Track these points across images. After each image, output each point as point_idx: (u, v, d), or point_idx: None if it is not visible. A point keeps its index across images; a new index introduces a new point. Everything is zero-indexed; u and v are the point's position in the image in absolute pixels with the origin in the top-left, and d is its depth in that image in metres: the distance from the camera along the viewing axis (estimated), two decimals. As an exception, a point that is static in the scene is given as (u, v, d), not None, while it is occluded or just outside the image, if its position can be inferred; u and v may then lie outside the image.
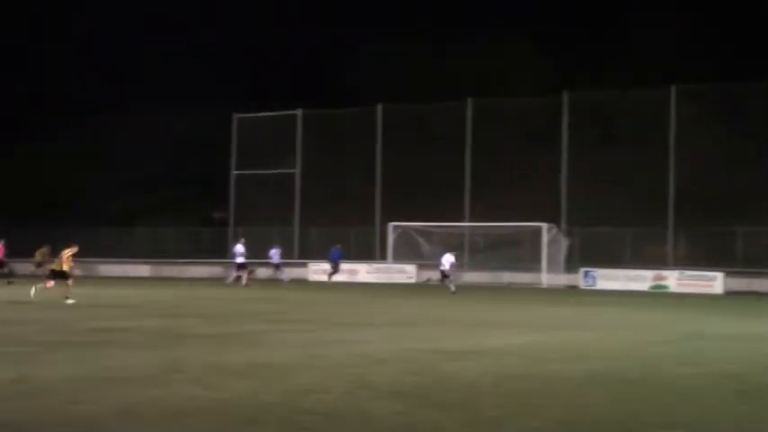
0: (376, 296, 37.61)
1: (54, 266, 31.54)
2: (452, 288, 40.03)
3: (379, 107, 58.53)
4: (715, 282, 45.76)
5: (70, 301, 28.63)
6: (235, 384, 12.28)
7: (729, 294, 44.18)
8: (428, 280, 41.14)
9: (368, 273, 52.40)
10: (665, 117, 51.36)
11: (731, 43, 61.76)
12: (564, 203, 52.85)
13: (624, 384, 12.81)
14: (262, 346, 17.00)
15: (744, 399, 11.81)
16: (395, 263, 53.30)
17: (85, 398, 11.04)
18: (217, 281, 51.46)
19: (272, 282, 50.59)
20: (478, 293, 41.70)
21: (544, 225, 49.97)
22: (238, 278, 47.03)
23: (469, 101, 56.01)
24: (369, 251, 53.16)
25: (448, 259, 41.32)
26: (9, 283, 43.14)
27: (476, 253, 54.40)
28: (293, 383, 12.43)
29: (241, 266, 47.73)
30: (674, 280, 46.90)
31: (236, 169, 62.19)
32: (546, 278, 49.38)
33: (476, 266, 53.07)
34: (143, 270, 58.50)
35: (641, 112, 53.38)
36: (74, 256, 31.41)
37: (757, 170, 50.19)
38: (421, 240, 52.93)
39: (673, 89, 51.07)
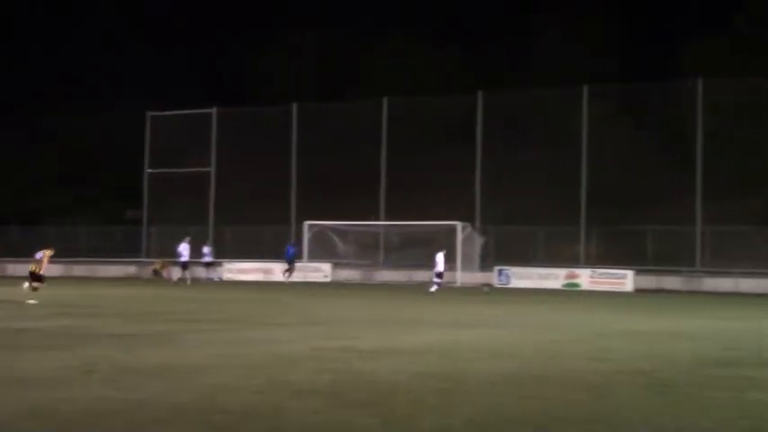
0: (291, 295, 37.50)
1: (31, 268, 31.58)
2: (433, 289, 40.28)
3: (295, 106, 58.35)
4: (625, 280, 46.46)
5: (32, 302, 28.93)
6: (148, 384, 12.17)
7: (639, 292, 44.88)
8: (484, 287, 40.57)
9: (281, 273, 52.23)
10: (577, 117, 51.96)
11: (641, 44, 62.80)
12: (478, 202, 53.21)
13: (536, 381, 12.94)
14: (176, 346, 16.87)
15: (652, 393, 12.01)
16: (310, 262, 53.20)
17: (-5, 400, 10.87)
18: (133, 280, 50.94)
19: (202, 281, 50.73)
20: (394, 292, 41.80)
21: (459, 224, 50.26)
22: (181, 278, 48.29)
23: (385, 100, 56.09)
24: (284, 250, 52.93)
25: (440, 259, 41.59)
26: None
27: (391, 252, 54.55)
28: (207, 383, 12.35)
29: (185, 265, 48.66)
30: (586, 278, 47.53)
31: (150, 168, 61.51)
32: (460, 276, 49.66)
33: (391, 265, 53.21)
34: (54, 269, 57.35)
35: (554, 111, 53.95)
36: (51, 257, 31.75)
37: (666, 170, 51.02)
38: (336, 239, 52.95)
39: (585, 89, 51.67)
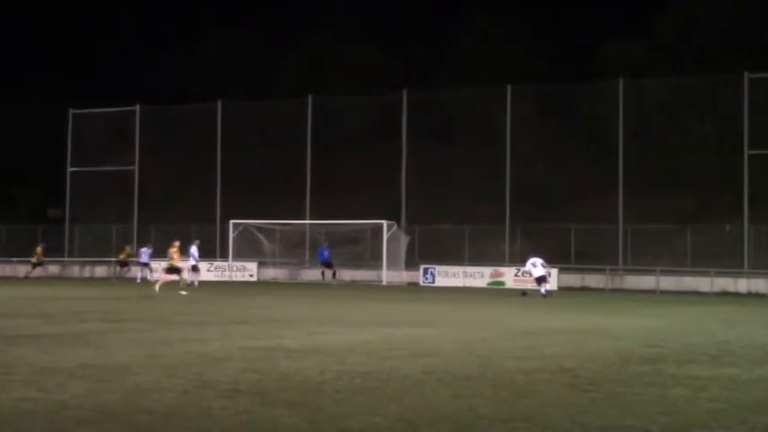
0: (215, 295, 37.26)
1: (170, 263, 36.56)
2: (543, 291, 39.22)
3: (219, 103, 58.01)
4: (550, 278, 46.78)
5: (184, 293, 33.30)
6: (70, 385, 12.00)
7: (563, 290, 45.31)
8: (524, 293, 40.07)
9: (209, 271, 51.80)
10: (502, 116, 52.32)
11: (564, 44, 63.52)
12: (404, 201, 53.36)
13: (463, 380, 12.99)
14: (99, 346, 16.65)
15: (577, 391, 12.11)
16: (236, 261, 52.90)
17: None
18: (55, 279, 50.28)
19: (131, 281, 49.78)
20: (319, 291, 41.76)
21: (384, 222, 50.33)
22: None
23: (309, 98, 55.97)
24: (210, 249, 52.59)
25: (536, 264, 39.99)
26: None
27: (317, 251, 54.50)
28: (131, 383, 12.22)
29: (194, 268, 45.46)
30: (511, 276, 47.85)
31: (72, 166, 60.72)
32: (386, 275, 49.76)
33: (317, 264, 53.17)
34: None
35: (479, 110, 54.37)
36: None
37: (590, 168, 51.65)
38: (262, 238, 52.72)
39: (508, 88, 52.04)
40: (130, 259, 53.04)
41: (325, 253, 50.54)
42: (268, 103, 57.47)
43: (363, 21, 70.48)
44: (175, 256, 36.64)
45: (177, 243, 37.44)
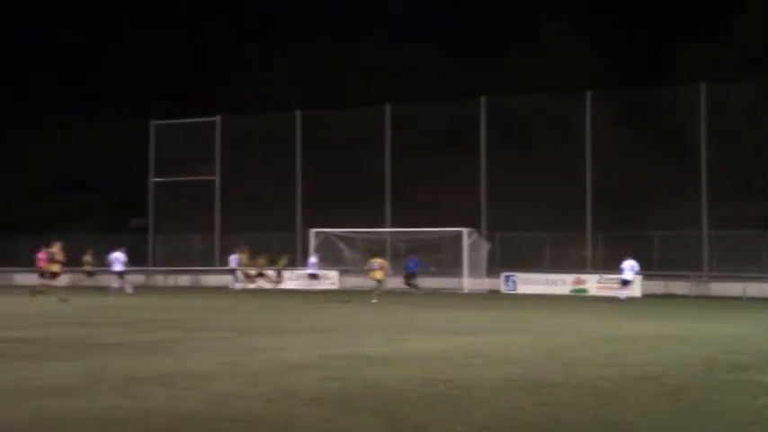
0: (298, 303, 37.46)
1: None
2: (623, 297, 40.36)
3: (298, 113, 58.29)
4: (633, 285, 46.32)
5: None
6: (155, 393, 12.14)
7: (647, 297, 44.79)
8: (622, 299, 40.61)
9: (290, 279, 52.05)
10: (581, 121, 51.89)
11: (643, 48, 62.85)
12: (483, 208, 53.11)
13: (546, 388, 12.89)
14: (182, 355, 16.82)
15: (662, 399, 11.96)
16: (317, 269, 52.86)
17: (1, 410, 10.83)
18: (139, 289, 50.90)
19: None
20: (401, 299, 41.78)
21: (464, 230, 50.15)
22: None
23: (388, 106, 55.99)
24: (291, 258, 52.86)
25: (632, 267, 41.53)
26: None
27: (397, 259, 54.43)
28: (215, 391, 12.32)
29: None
30: (594, 284, 47.42)
31: (155, 176, 61.47)
32: (467, 283, 49.60)
33: (397, 272, 53.12)
34: (61, 279, 57.38)
35: (557, 116, 53.97)
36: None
37: (672, 174, 50.97)
38: (343, 246, 52.77)
39: (588, 94, 51.59)
40: (95, 268, 52.20)
41: (412, 264, 50.30)
42: (346, 111, 57.63)
43: (440, 27, 70.44)
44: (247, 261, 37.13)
45: (245, 248, 38.00)
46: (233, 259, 52.23)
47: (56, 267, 40.50)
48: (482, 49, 66.98)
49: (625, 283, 41.62)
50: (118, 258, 48.03)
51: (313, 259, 49.67)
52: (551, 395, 12.21)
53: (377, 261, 41.23)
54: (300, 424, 10.20)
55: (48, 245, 45.10)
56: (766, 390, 12.91)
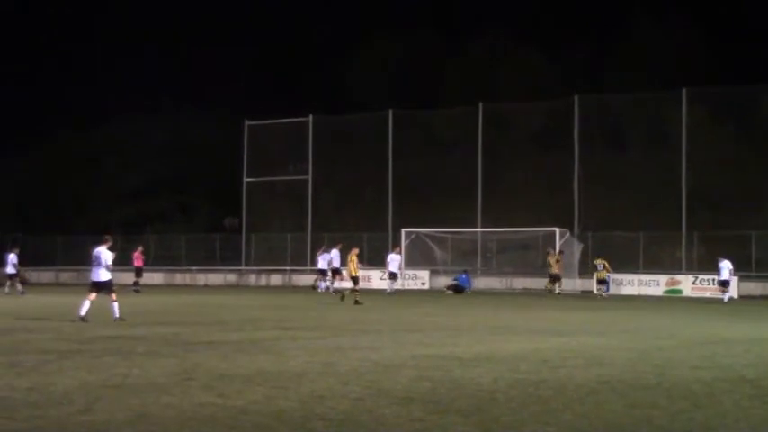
0: (389, 303, 37.51)
1: (350, 272, 36.65)
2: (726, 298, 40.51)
3: (390, 113, 58.41)
4: (729, 286, 45.58)
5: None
6: (247, 391, 12.26)
7: (743, 299, 44.03)
8: (725, 300, 40.77)
9: (381, 279, 52.16)
10: (676, 119, 51.17)
11: (740, 45, 61.71)
12: (576, 207, 52.64)
13: (639, 390, 12.75)
14: (274, 353, 16.96)
15: (759, 403, 11.75)
16: (408, 269, 52.90)
17: (99, 406, 11.04)
18: (232, 288, 51.50)
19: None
20: (491, 299, 41.63)
21: (557, 230, 49.78)
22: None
23: (480, 105, 55.81)
24: (381, 257, 53.04)
25: (726, 266, 41.51)
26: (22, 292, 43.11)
27: (489, 258, 54.30)
28: (306, 390, 12.40)
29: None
30: (689, 284, 46.76)
31: (248, 176, 62.13)
32: (559, 283, 49.20)
33: (489, 272, 52.97)
34: (156, 277, 58.56)
35: (652, 114, 53.31)
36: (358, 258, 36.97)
37: (768, 174, 50.04)
38: (434, 246, 52.78)
39: (683, 91, 50.87)
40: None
41: (465, 278, 49.60)
42: (438, 110, 57.64)
43: (532, 25, 70.05)
44: (352, 265, 36.58)
45: (356, 251, 37.50)
46: (329, 257, 49.40)
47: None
48: (576, 46, 66.41)
49: (723, 283, 40.93)
50: (12, 260, 45.41)
51: (393, 256, 48.52)
52: (644, 397, 12.07)
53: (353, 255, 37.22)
54: (390, 423, 10.21)
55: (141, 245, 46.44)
56: None
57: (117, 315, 24.59)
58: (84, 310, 24.32)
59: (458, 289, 48.44)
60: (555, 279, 46.87)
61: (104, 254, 24.99)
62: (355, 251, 37.20)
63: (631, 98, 52.60)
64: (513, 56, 68.08)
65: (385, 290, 47.29)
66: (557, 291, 46.39)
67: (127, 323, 23.88)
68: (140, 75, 76.51)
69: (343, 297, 36.37)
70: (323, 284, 49.14)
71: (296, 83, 73.58)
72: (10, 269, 44.85)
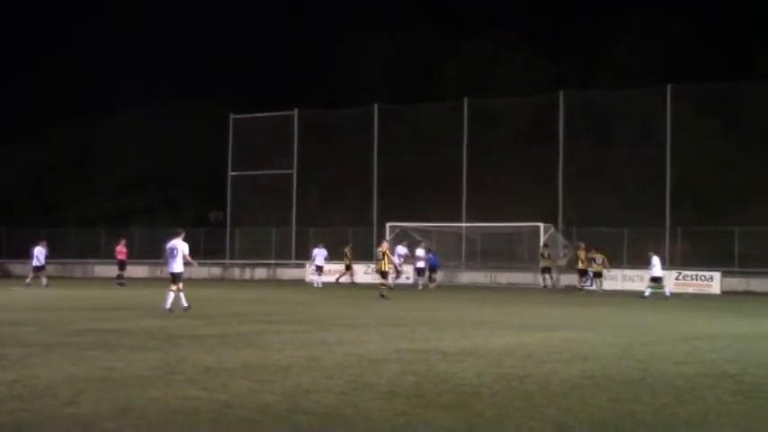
0: (373, 297, 37.52)
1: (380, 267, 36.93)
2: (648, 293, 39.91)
3: (375, 107, 58.41)
4: (712, 282, 45.81)
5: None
6: (232, 385, 12.27)
7: (726, 294, 44.21)
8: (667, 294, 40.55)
9: (366, 273, 52.20)
10: (661, 115, 51.32)
11: (724, 42, 61.85)
12: (560, 203, 52.77)
13: (622, 385, 12.80)
14: (259, 347, 16.97)
15: (741, 398, 11.81)
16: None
17: (83, 399, 11.03)
18: (216, 281, 51.44)
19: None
20: (476, 293, 41.69)
21: (541, 225, 49.88)
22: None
23: (465, 100, 55.87)
24: (367, 251, 53.04)
25: (657, 262, 40.63)
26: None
27: (473, 253, 54.37)
28: (291, 384, 12.42)
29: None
30: (672, 280, 46.90)
31: (233, 170, 62.03)
32: (543, 278, 49.32)
33: (473, 267, 53.04)
34: (140, 271, 58.45)
35: (636, 110, 53.44)
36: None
37: (753, 169, 50.21)
38: (419, 240, 52.77)
39: (668, 88, 51.02)
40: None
41: (432, 258, 49.70)
42: (424, 105, 57.65)
43: (519, 22, 70.07)
44: (386, 258, 36.69)
45: (386, 244, 37.71)
46: (325, 253, 49.87)
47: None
48: (560, 42, 66.51)
49: (656, 279, 40.80)
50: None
51: (401, 249, 47.84)
52: (628, 392, 12.12)
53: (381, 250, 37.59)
54: (374, 417, 10.24)
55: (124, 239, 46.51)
56: None
57: (185, 305, 26.00)
58: (169, 303, 25.89)
59: (432, 271, 48.45)
60: (582, 273, 45.98)
61: (180, 245, 26.60)
62: (385, 245, 37.97)
63: (617, 94, 52.70)
64: (501, 53, 68.10)
65: (369, 284, 47.29)
66: (589, 286, 45.41)
67: (109, 317, 23.86)
68: (128, 69, 76.28)
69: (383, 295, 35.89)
70: (318, 279, 48.87)
71: (282, 77, 73.44)
72: (36, 262, 45.23)
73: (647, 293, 39.75)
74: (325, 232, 54.79)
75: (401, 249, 47.50)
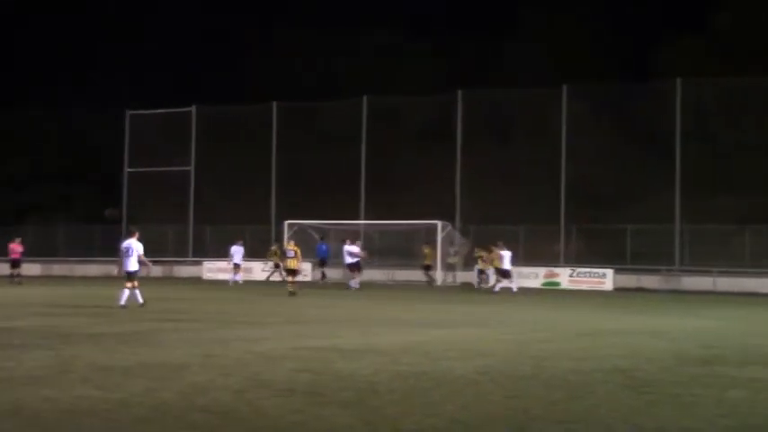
0: (269, 295, 37.41)
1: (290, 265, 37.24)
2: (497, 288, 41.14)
3: (274, 104, 58.18)
4: (605, 279, 46.62)
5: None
6: (128, 384, 12.14)
7: (619, 291, 45.02)
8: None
9: (263, 271, 51.98)
10: (557, 116, 52.01)
11: (619, 43, 62.92)
12: (458, 201, 53.16)
13: (517, 381, 12.97)
14: (156, 345, 16.82)
15: (633, 393, 12.05)
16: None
17: (-27, 399, 10.82)
18: (111, 279, 50.75)
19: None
20: (374, 291, 41.80)
21: (439, 223, 50.16)
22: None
23: (365, 98, 55.97)
24: (265, 249, 52.75)
25: (507, 256, 42.38)
26: None
27: (371, 251, 54.46)
28: (187, 382, 12.33)
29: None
30: (566, 277, 47.64)
31: (130, 167, 61.25)
32: (441, 275, 49.64)
33: (371, 264, 53.11)
34: (33, 269, 57.30)
35: (533, 110, 54.03)
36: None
37: (646, 168, 51.16)
38: (317, 238, 52.71)
39: (564, 88, 51.75)
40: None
41: (324, 248, 50.09)
42: (323, 103, 57.56)
43: (417, 20, 70.34)
44: (297, 257, 37.25)
45: (292, 242, 38.53)
46: (242, 251, 49.99)
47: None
48: (460, 42, 66.91)
49: (504, 273, 41.98)
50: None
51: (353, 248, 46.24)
52: (522, 388, 12.28)
53: (292, 248, 37.84)
54: (271, 415, 10.23)
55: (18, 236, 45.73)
56: (737, 383, 13.02)
57: (141, 301, 27.18)
58: (124, 299, 26.90)
59: (322, 263, 49.53)
60: (428, 268, 48.50)
61: (135, 245, 27.97)
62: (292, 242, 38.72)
63: (515, 94, 53.18)
64: (401, 51, 68.28)
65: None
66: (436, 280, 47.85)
67: (2, 315, 23.41)
68: (24, 62, 74.81)
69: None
70: (237, 277, 48.59)
71: (180, 73, 72.67)
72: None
73: (496, 289, 41.60)
74: (224, 229, 54.44)
75: (353, 248, 45.98)
